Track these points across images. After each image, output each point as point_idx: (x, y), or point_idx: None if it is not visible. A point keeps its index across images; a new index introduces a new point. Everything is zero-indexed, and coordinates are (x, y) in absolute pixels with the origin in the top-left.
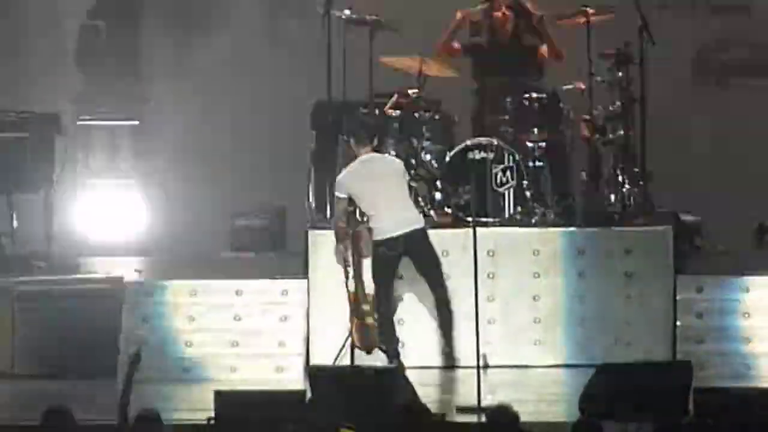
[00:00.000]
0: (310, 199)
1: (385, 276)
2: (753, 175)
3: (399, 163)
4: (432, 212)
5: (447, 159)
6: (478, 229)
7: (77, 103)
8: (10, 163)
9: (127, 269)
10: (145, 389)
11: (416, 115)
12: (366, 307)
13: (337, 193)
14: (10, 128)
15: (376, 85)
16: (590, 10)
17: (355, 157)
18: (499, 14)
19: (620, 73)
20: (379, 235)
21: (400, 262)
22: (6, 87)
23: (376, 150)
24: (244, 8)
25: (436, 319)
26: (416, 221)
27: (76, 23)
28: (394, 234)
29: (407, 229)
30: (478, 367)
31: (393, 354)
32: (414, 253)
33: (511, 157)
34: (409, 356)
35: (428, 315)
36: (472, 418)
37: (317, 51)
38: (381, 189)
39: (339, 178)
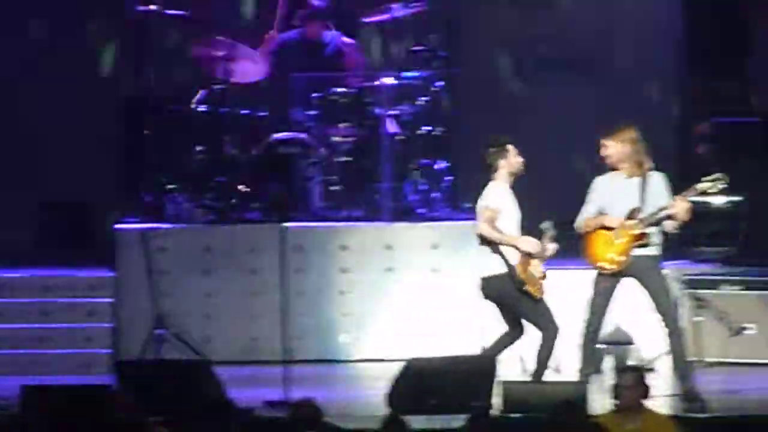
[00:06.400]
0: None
1: None
2: None
3: None
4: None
5: (253, 154)
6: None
7: None
8: None
9: None
10: None
11: (221, 110)
12: None
13: None
14: None
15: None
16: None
17: None
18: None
19: (429, 71)
20: None
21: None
22: None
23: None
24: None
25: None
26: None
27: None
28: None
29: None
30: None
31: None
32: None
33: (317, 153)
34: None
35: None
36: (279, 413)
37: None
38: None
39: None
